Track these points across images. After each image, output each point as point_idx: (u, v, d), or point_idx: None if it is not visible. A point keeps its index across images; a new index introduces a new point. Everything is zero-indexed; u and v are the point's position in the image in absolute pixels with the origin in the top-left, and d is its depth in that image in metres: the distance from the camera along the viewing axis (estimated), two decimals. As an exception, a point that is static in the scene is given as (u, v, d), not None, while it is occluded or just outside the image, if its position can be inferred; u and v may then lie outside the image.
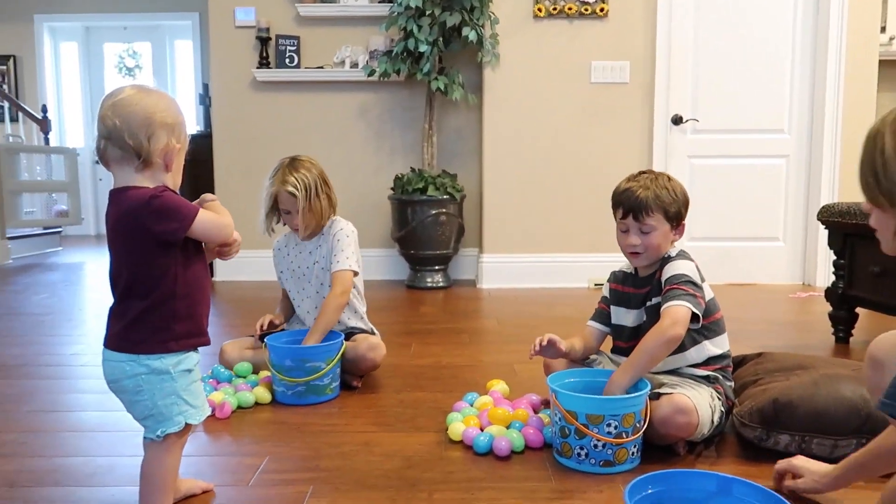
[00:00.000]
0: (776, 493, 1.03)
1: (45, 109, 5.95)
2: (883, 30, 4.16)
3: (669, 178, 1.68)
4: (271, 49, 4.09)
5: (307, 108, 4.12)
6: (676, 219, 1.65)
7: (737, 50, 3.91)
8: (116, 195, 1.18)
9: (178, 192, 1.22)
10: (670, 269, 1.61)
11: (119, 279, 1.19)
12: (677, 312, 1.51)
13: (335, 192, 2.13)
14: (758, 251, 4.02)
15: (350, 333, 2.10)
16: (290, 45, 4.08)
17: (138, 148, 1.14)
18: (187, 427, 1.21)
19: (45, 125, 5.86)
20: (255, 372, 2.08)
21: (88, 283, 4.33)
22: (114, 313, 1.20)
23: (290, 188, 2.01)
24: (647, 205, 1.61)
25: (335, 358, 1.92)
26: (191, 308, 1.20)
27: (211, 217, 1.21)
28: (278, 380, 1.90)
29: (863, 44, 3.87)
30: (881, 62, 3.98)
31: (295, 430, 1.73)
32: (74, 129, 7.65)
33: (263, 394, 1.92)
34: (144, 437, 1.21)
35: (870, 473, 1.21)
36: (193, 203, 1.20)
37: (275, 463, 1.54)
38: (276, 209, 2.09)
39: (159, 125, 1.16)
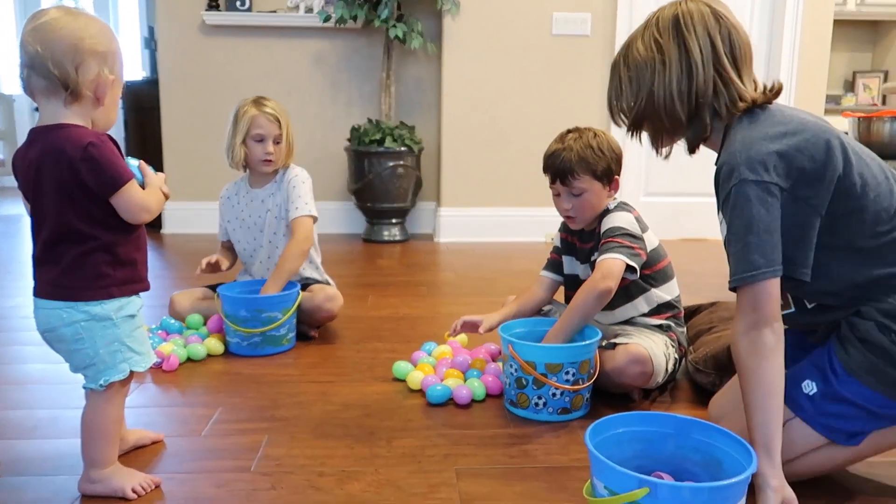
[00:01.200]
0: (734, 434, 1.04)
1: (-24, 51, 5.59)
2: (838, -12, 4.20)
3: (595, 135, 1.62)
4: (221, -9, 3.89)
5: (260, 55, 3.96)
6: (607, 176, 1.60)
7: (697, 5, 3.89)
8: (45, 133, 1.08)
9: (110, 131, 1.14)
10: (607, 223, 1.60)
11: (45, 224, 1.11)
12: (610, 265, 1.50)
13: None
14: (712, 206, 4.07)
15: (305, 284, 2.06)
16: (241, -13, 3.89)
17: (65, 78, 1.05)
18: (131, 375, 1.15)
19: (-24, 68, 5.51)
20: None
21: (27, 236, 4.13)
22: (42, 260, 1.13)
23: (270, 110, 1.99)
24: (571, 168, 1.58)
25: (292, 308, 1.87)
26: (130, 253, 1.15)
27: (137, 198, 1.11)
28: (233, 331, 1.85)
29: (818, 2, 3.90)
30: (835, 21, 4.02)
31: (249, 381, 1.69)
32: (9, 75, 7.23)
33: (215, 345, 1.87)
34: (84, 387, 1.15)
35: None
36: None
37: (229, 413, 1.50)
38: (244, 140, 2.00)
39: (88, 53, 1.06)
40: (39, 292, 1.13)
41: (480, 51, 3.83)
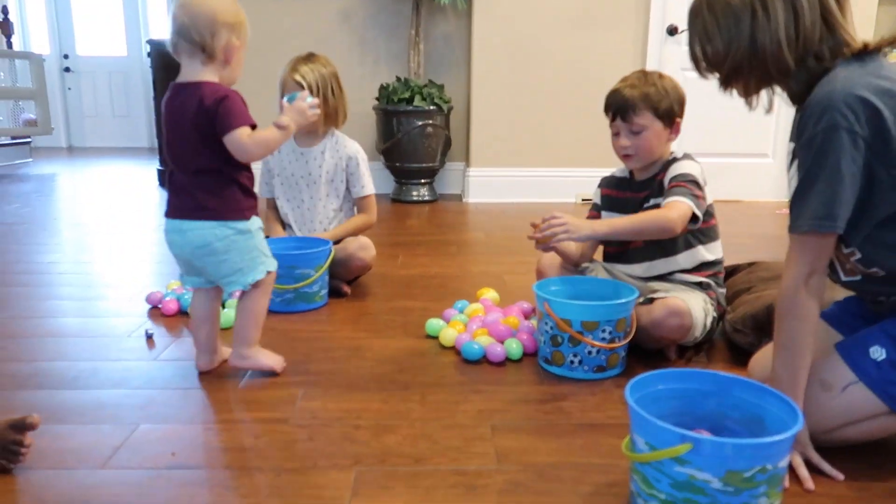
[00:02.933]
0: (778, 392, 1.02)
1: (5, 11, 5.61)
2: (888, -62, 3.99)
3: (661, 76, 1.61)
4: (247, -54, 3.83)
5: (287, 13, 3.90)
6: (668, 116, 1.58)
7: (737, -44, 3.74)
8: (188, 87, 1.33)
9: (236, 85, 1.39)
10: (675, 169, 1.56)
11: (183, 160, 1.36)
12: (679, 206, 1.47)
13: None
14: (747, 167, 3.98)
15: (338, 241, 2.05)
16: (268, -57, 3.83)
17: (203, 43, 1.30)
18: (269, 274, 1.42)
19: (6, 28, 5.53)
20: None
21: (63, 195, 4.20)
22: (182, 189, 1.37)
23: (298, 77, 1.96)
24: (633, 103, 1.56)
25: (324, 265, 1.88)
26: (250, 184, 1.42)
27: (247, 140, 1.33)
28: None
29: (867, -48, 3.72)
30: (885, -27, 3.84)
31: (283, 336, 1.70)
32: (39, 36, 7.26)
33: (249, 301, 1.88)
34: (228, 294, 1.45)
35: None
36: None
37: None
38: None
39: (221, 24, 1.31)
40: (186, 216, 1.36)
41: (511, 6, 3.73)
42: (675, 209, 1.46)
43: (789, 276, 1.07)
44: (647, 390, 1.06)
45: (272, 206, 2.15)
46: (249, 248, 1.39)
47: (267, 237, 2.02)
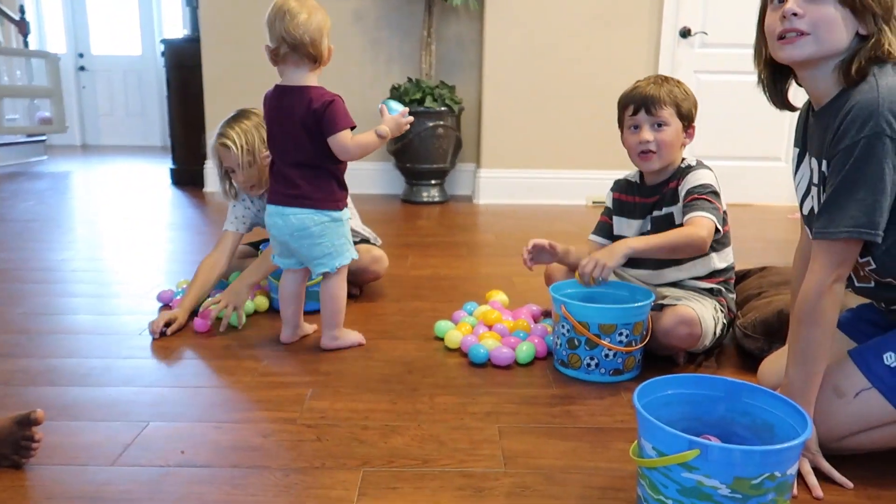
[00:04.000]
0: (785, 397, 1.02)
1: (22, 10, 5.67)
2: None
3: (679, 82, 1.62)
4: (261, -54, 3.85)
5: (299, 13, 3.92)
6: (687, 118, 1.59)
7: (752, -42, 3.72)
8: (295, 91, 1.50)
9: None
10: (693, 179, 1.55)
11: (288, 153, 1.52)
12: (706, 224, 1.47)
13: None
14: (759, 171, 3.96)
15: (350, 242, 2.06)
16: (281, -57, 3.84)
17: (312, 53, 1.48)
18: (351, 262, 1.60)
19: (23, 27, 5.60)
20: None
21: (76, 193, 4.24)
22: (285, 178, 1.53)
23: (225, 141, 1.79)
24: (659, 97, 1.56)
25: (334, 264, 1.88)
26: (344, 179, 1.58)
27: (350, 142, 1.49)
28: (276, 287, 1.86)
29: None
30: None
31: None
32: (55, 35, 7.33)
33: (262, 302, 1.89)
34: (317, 273, 1.58)
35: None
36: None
37: (273, 366, 1.53)
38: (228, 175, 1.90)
39: (325, 33, 1.50)
40: (289, 203, 1.52)
41: (523, 8, 3.73)
42: (703, 227, 1.46)
43: (812, 282, 1.06)
44: (656, 395, 1.05)
45: (237, 239, 1.94)
46: (340, 235, 1.57)
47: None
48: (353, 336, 1.65)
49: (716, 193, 1.53)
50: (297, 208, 1.53)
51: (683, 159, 1.63)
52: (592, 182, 3.76)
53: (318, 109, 1.47)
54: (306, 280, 1.66)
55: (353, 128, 1.50)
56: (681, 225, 1.55)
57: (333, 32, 1.55)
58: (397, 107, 1.58)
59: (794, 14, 1.03)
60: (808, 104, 1.17)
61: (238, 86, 3.90)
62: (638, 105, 1.57)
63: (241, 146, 1.79)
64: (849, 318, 1.26)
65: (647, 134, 1.57)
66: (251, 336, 1.72)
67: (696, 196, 1.52)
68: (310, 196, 1.53)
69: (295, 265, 1.62)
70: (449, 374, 1.50)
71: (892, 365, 1.08)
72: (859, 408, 1.09)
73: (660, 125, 1.57)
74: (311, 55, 1.48)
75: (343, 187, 1.58)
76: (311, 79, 1.51)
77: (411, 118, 1.58)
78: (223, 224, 1.95)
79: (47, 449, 1.12)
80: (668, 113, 1.56)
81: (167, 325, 1.70)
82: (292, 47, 1.47)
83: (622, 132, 1.65)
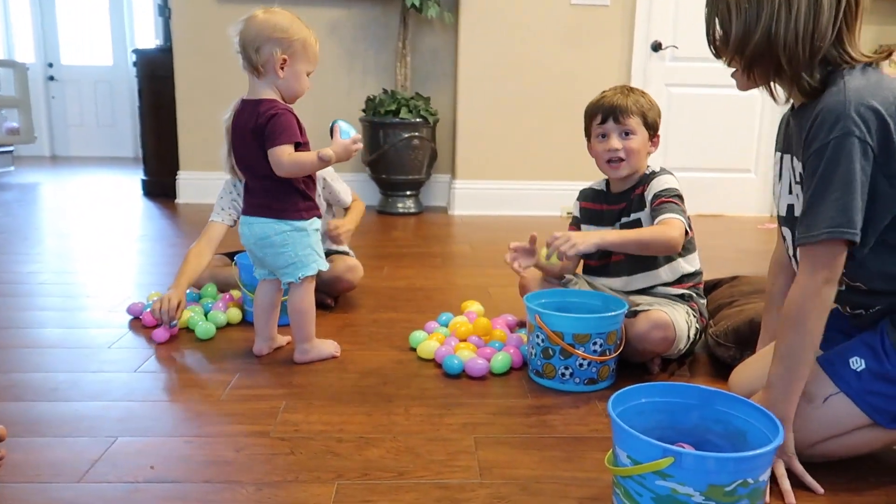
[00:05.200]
0: (758, 405, 1.03)
1: (-11, 19, 5.57)
2: (867, -41, 4.07)
3: (643, 92, 1.66)
4: (235, -43, 3.84)
5: (274, 24, 3.91)
6: (653, 128, 1.63)
7: (720, -26, 3.80)
8: (250, 103, 1.50)
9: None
10: (658, 184, 1.58)
11: (248, 167, 1.54)
12: (677, 224, 1.49)
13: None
14: (729, 182, 4.02)
15: (326, 253, 2.04)
16: (256, -46, 3.84)
17: (250, 59, 1.46)
18: (317, 273, 1.58)
19: (-10, 36, 5.49)
20: (222, 291, 2.01)
21: (45, 204, 4.16)
22: (251, 190, 1.56)
23: None
24: (626, 106, 1.59)
25: (308, 277, 1.86)
26: (309, 190, 1.57)
27: (286, 158, 1.47)
28: (250, 299, 1.84)
29: (847, -28, 3.79)
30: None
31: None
32: (24, 44, 7.21)
33: (235, 314, 1.86)
34: (284, 285, 1.59)
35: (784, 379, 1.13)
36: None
37: (246, 379, 1.50)
38: None
39: (265, 39, 1.45)
40: (254, 212, 1.55)
41: (498, 21, 3.76)
42: (674, 227, 1.48)
43: (798, 287, 1.06)
44: (630, 404, 1.06)
45: (223, 232, 1.93)
46: (304, 245, 1.56)
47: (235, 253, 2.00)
48: (326, 348, 1.63)
49: (680, 197, 1.56)
50: (260, 217, 1.54)
51: (648, 167, 1.65)
52: (566, 192, 3.78)
53: (262, 122, 1.46)
54: (280, 291, 1.64)
55: (298, 143, 1.48)
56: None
57: None
58: (349, 130, 1.53)
59: None
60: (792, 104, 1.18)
61: (211, 96, 3.87)
62: (606, 114, 1.60)
63: None
64: None
65: (616, 142, 1.59)
66: (223, 349, 1.69)
67: (663, 199, 1.54)
68: (270, 206, 1.54)
69: (268, 276, 1.61)
70: (424, 385, 1.49)
71: (859, 369, 1.09)
72: (829, 413, 1.10)
73: (627, 133, 1.60)
74: (251, 63, 1.47)
75: (307, 198, 1.56)
76: (266, 91, 1.50)
77: (360, 145, 1.53)
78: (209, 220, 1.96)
79: (11, 466, 1.09)
80: (634, 122, 1.59)
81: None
82: (237, 51, 1.48)
83: (589, 141, 1.68)
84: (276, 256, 1.55)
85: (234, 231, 2.08)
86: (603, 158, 1.63)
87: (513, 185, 3.91)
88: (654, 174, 1.62)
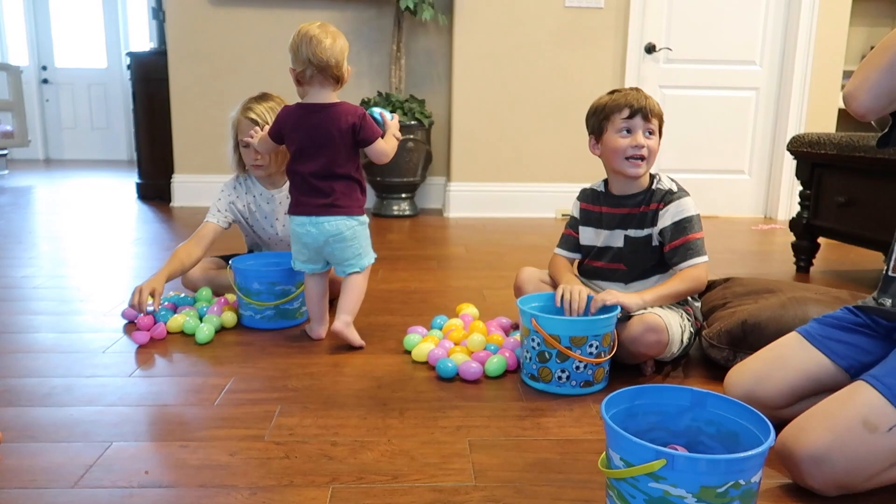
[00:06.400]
0: (751, 407, 1.04)
1: (-17, 22, 5.56)
2: (859, -39, 4.10)
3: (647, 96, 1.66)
4: (229, -40, 3.84)
5: (268, 26, 3.92)
6: (661, 132, 1.64)
7: (713, -23, 3.82)
8: (325, 108, 1.65)
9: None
10: (679, 210, 1.59)
11: (323, 165, 1.66)
12: (704, 266, 1.58)
13: None
14: (724, 183, 4.04)
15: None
16: (250, -43, 3.84)
17: (337, 75, 1.65)
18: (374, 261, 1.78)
19: (-16, 39, 5.48)
20: (217, 295, 2.01)
21: (39, 208, 4.15)
22: (316, 190, 1.67)
23: (252, 115, 1.92)
24: (653, 107, 1.60)
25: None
26: (364, 185, 1.75)
27: (385, 146, 1.71)
28: (245, 304, 1.85)
29: (839, -26, 3.82)
30: (855, -5, 3.94)
31: (261, 352, 1.69)
32: (17, 47, 7.20)
33: (230, 317, 1.86)
34: (344, 273, 1.74)
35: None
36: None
37: (241, 383, 1.50)
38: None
39: (345, 57, 1.68)
40: (320, 212, 1.67)
41: (492, 23, 3.77)
42: (702, 270, 1.58)
43: None
44: (624, 406, 1.06)
45: (217, 233, 2.00)
46: (365, 237, 1.74)
47: (233, 256, 2.02)
48: (358, 337, 1.72)
49: (700, 221, 1.61)
50: (331, 216, 1.67)
51: (655, 176, 1.66)
52: (561, 195, 3.80)
53: (357, 122, 1.64)
54: (327, 280, 1.80)
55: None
56: (659, 245, 1.62)
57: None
58: (387, 114, 1.75)
59: None
60: None
61: (205, 99, 3.87)
62: (635, 110, 1.58)
63: (265, 123, 1.89)
64: (816, 330, 1.27)
65: (642, 139, 1.58)
66: (219, 353, 1.69)
67: (689, 237, 1.58)
68: (342, 204, 1.68)
69: (321, 269, 1.75)
70: (419, 388, 1.50)
71: None
72: (894, 442, 1.03)
73: (650, 133, 1.60)
74: (335, 76, 1.64)
75: (364, 193, 1.74)
76: (334, 96, 1.67)
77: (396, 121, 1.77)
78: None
79: (5, 472, 1.09)
80: (656, 124, 1.61)
81: (151, 295, 1.77)
82: (319, 69, 1.62)
83: (597, 138, 1.65)
84: (345, 250, 1.70)
85: (229, 233, 2.10)
86: (624, 154, 1.59)
87: (508, 187, 3.92)
88: (671, 194, 1.61)
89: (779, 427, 1.09)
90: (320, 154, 1.66)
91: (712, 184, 4.02)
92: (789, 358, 1.27)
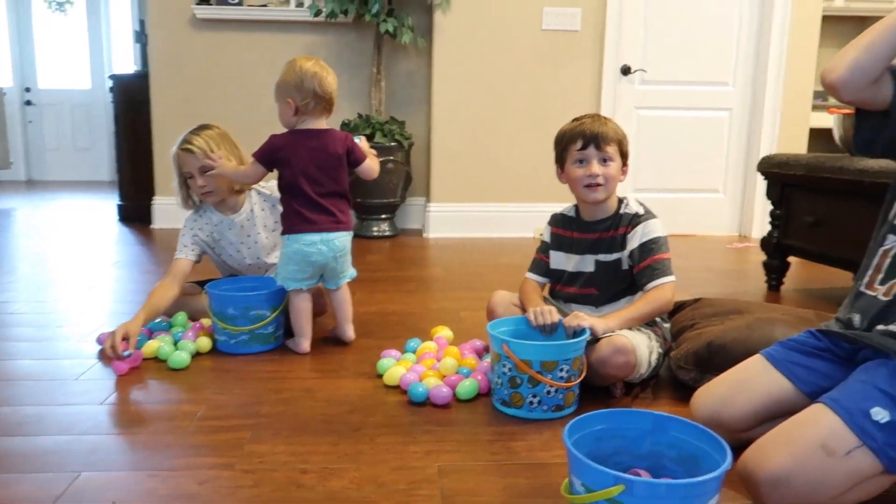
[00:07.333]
0: (710, 431, 1.06)
1: (-36, 44, 5.55)
2: (828, -15, 4.21)
3: (614, 122, 1.71)
4: (211, -15, 3.88)
5: (250, 49, 3.95)
6: (625, 156, 1.68)
7: (686, 2, 3.90)
8: (322, 133, 1.83)
9: None
10: (646, 232, 1.64)
11: (328, 185, 1.82)
12: (670, 287, 1.62)
13: (243, 152, 2.05)
14: (699, 202, 4.10)
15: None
16: (231, -18, 3.88)
17: (332, 106, 1.85)
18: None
19: (-35, 61, 5.47)
20: (193, 319, 2.02)
21: (19, 230, 4.13)
22: (322, 208, 1.81)
23: (192, 147, 1.95)
24: (606, 134, 1.64)
25: (280, 306, 1.88)
26: None
27: (374, 164, 1.98)
28: (220, 328, 1.86)
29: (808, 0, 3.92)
30: (824, 18, 4.04)
31: (235, 378, 1.70)
32: (1, 68, 7.18)
33: (205, 343, 1.87)
34: (337, 285, 1.91)
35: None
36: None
37: (214, 410, 1.51)
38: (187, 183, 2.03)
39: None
40: (334, 228, 1.83)
41: (471, 46, 3.83)
42: (668, 291, 1.62)
43: None
44: (587, 431, 1.09)
45: (189, 268, 2.01)
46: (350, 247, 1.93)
47: (210, 280, 2.04)
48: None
49: (667, 244, 1.65)
50: (340, 232, 1.84)
51: (622, 199, 1.70)
52: (539, 214, 3.82)
53: (349, 145, 1.84)
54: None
55: None
56: (630, 269, 1.66)
57: (282, 68, 1.82)
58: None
59: None
60: None
61: (186, 122, 3.86)
62: (587, 140, 1.64)
63: (204, 150, 1.93)
64: (779, 353, 1.29)
65: (597, 168, 1.64)
66: (193, 379, 1.70)
67: (656, 257, 1.62)
68: (345, 220, 1.85)
69: (312, 284, 1.87)
70: (392, 412, 1.51)
71: (883, 421, 1.05)
72: (851, 465, 1.05)
73: (606, 160, 1.64)
74: (331, 107, 1.83)
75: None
76: (325, 124, 1.85)
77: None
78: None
79: (-28, 504, 1.09)
80: (612, 149, 1.65)
81: (125, 339, 1.72)
82: (320, 101, 1.79)
83: (563, 167, 1.72)
84: (344, 263, 1.88)
85: (205, 260, 2.11)
86: (581, 183, 1.66)
87: (487, 207, 3.96)
88: (638, 216, 1.66)
89: (743, 449, 1.11)
90: (325, 174, 1.80)
91: (688, 203, 4.08)
92: (753, 381, 1.29)
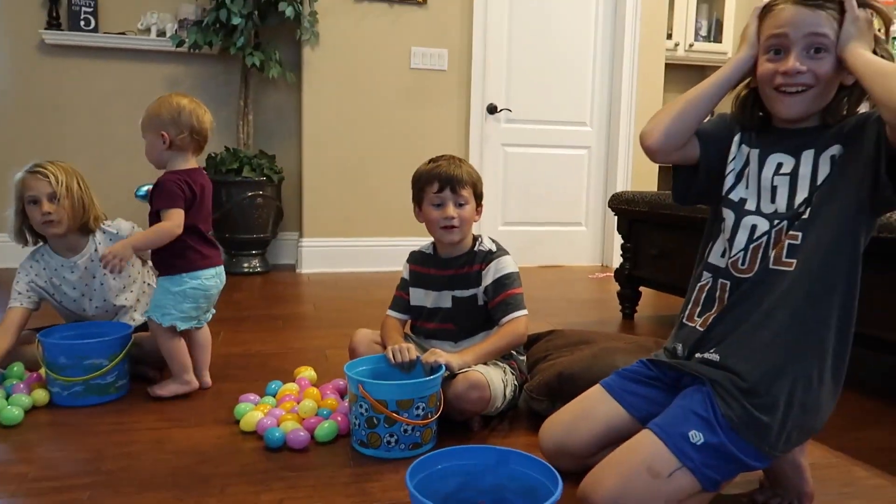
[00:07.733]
0: (544, 462, 1.12)
1: None
2: (669, 36, 4.62)
3: (469, 164, 1.79)
4: (63, 9, 3.67)
5: (107, 78, 3.76)
6: (479, 198, 1.76)
7: (546, 47, 4.15)
8: (200, 170, 1.86)
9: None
10: (499, 268, 1.70)
11: (209, 222, 1.86)
12: (523, 320, 1.68)
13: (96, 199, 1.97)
14: (564, 235, 4.33)
15: (146, 324, 1.96)
16: (86, 6, 3.69)
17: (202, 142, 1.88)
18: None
19: None
20: (30, 370, 1.87)
21: None
22: (211, 242, 1.86)
23: (40, 169, 1.85)
24: (462, 177, 1.71)
25: (121, 354, 1.77)
26: None
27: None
28: (52, 379, 1.73)
29: (652, 48, 4.28)
30: (667, 65, 4.43)
31: (75, 432, 1.59)
32: None
33: (42, 395, 1.73)
34: (204, 322, 1.92)
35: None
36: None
37: (48, 469, 1.40)
38: (25, 213, 1.88)
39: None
40: (218, 262, 1.87)
41: (340, 81, 3.86)
42: (521, 324, 1.69)
43: None
44: (430, 470, 1.11)
45: (24, 317, 1.90)
46: None
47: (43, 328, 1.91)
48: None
49: (519, 278, 1.72)
50: (221, 265, 1.89)
51: (478, 237, 1.77)
52: (412, 248, 3.88)
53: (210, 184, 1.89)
54: None
55: None
56: (485, 304, 1.72)
57: (143, 98, 1.86)
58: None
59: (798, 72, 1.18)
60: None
61: (35, 154, 3.62)
62: (444, 183, 1.70)
63: (57, 176, 1.85)
64: (616, 382, 1.37)
65: (452, 210, 1.70)
66: (26, 436, 1.57)
67: (509, 292, 1.69)
68: (218, 254, 1.90)
69: (208, 319, 1.93)
70: (246, 460, 1.47)
71: (698, 443, 1.14)
72: (674, 486, 1.13)
73: (461, 204, 1.70)
74: (203, 145, 1.84)
75: None
76: (194, 161, 1.85)
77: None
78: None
79: None
80: (467, 192, 1.72)
81: None
82: (196, 136, 1.80)
83: (420, 206, 1.77)
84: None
85: (44, 306, 1.96)
86: (438, 224, 1.72)
87: (360, 241, 3.97)
88: (492, 253, 1.73)
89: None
90: (207, 212, 1.86)
91: (553, 235, 4.29)
92: (594, 410, 1.38)
